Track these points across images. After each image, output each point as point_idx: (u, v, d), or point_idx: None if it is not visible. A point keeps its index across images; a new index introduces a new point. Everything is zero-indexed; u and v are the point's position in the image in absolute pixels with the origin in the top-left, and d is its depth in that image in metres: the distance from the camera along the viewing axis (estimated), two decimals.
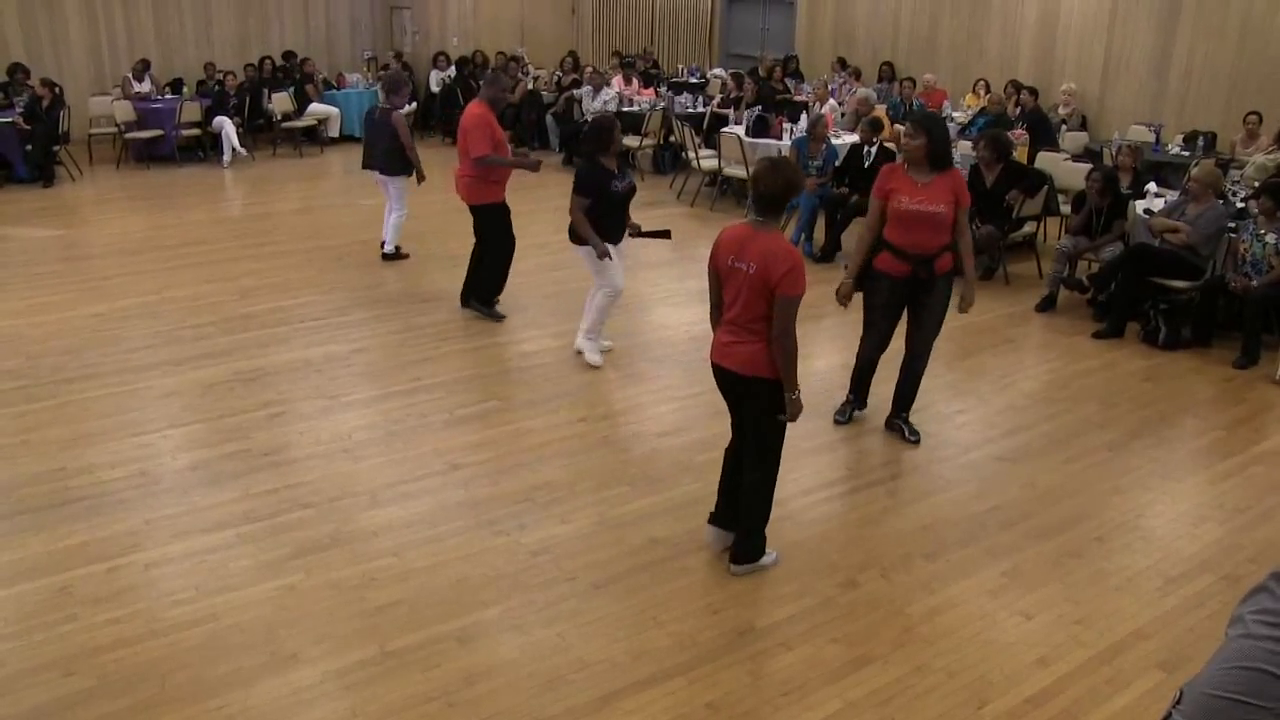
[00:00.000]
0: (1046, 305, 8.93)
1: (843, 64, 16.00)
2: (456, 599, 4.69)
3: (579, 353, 7.55)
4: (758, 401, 4.66)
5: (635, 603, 4.69)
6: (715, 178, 12.87)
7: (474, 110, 7.94)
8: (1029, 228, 9.89)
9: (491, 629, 4.49)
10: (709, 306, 4.88)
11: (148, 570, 4.88)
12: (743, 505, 4.88)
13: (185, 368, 7.31)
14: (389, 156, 9.57)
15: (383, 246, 10.11)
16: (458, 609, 4.62)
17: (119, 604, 4.61)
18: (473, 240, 8.35)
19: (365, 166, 9.89)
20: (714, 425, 6.46)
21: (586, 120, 14.66)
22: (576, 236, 7.12)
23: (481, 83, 8.36)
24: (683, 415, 6.70)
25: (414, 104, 16.86)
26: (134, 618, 4.52)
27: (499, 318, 8.34)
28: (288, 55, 16.55)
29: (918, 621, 4.60)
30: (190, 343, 7.78)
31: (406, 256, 10.12)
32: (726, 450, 5.06)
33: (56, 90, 13.87)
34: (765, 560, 4.96)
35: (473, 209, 8.15)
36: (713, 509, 5.16)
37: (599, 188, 6.93)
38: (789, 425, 4.73)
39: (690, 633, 4.49)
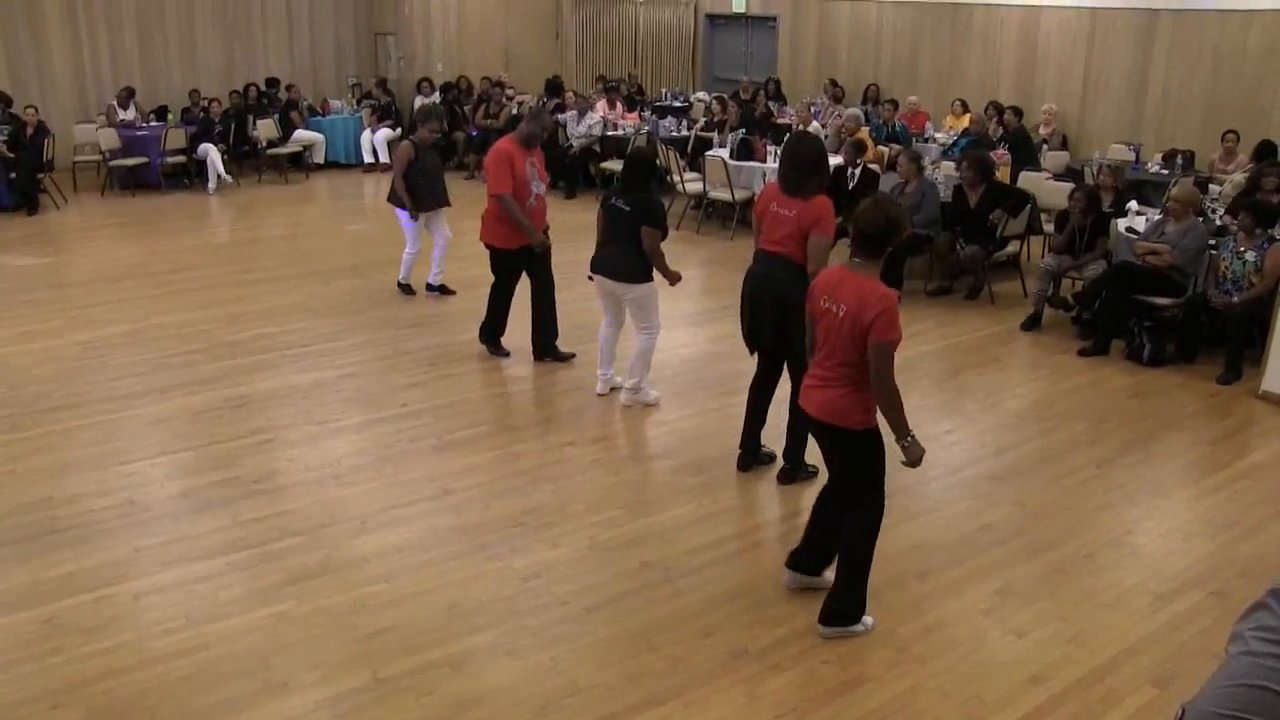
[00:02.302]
0: (1032, 324, 8.98)
1: (833, 84, 16.08)
2: (449, 624, 4.67)
3: (625, 403, 7.19)
4: (839, 450, 4.51)
5: (628, 626, 4.68)
6: (700, 201, 12.91)
7: (497, 146, 7.59)
8: (1013, 247, 9.95)
9: (484, 654, 4.48)
10: (808, 346, 4.70)
11: (136, 600, 4.85)
12: (842, 553, 4.61)
13: (172, 395, 7.29)
14: (392, 187, 9.44)
15: (432, 287, 9.80)
16: (450, 634, 4.60)
17: (107, 634, 4.58)
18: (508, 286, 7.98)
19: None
20: (704, 449, 6.47)
21: (571, 145, 14.74)
22: (636, 275, 6.79)
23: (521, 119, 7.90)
24: (673, 438, 6.70)
25: (398, 131, 16.88)
26: (122, 648, 4.49)
27: (505, 353, 8.07)
28: (271, 82, 16.57)
29: (910, 641, 4.60)
30: (177, 370, 7.76)
31: (413, 293, 9.79)
32: (820, 493, 4.88)
33: (39, 119, 13.84)
34: (858, 627, 4.64)
35: (489, 249, 7.79)
36: (794, 550, 4.94)
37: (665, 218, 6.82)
38: (909, 470, 4.59)
39: (683, 655, 4.48)
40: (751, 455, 6.21)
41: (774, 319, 5.63)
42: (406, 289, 9.80)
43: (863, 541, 4.55)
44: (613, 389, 7.33)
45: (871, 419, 4.39)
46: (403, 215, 9.45)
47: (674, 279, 6.93)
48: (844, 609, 4.62)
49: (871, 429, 4.41)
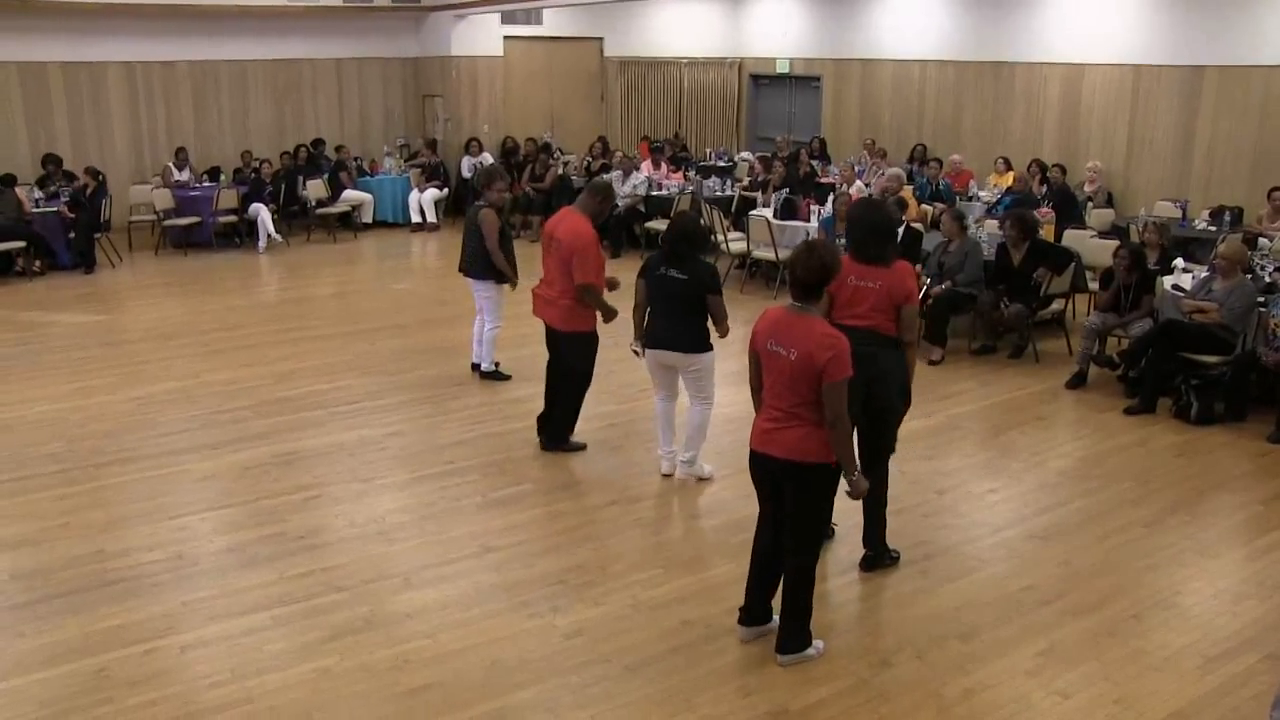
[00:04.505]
0: (1077, 382, 8.91)
1: (872, 144, 16.17)
2: (490, 681, 4.69)
3: (680, 476, 6.91)
4: (804, 488, 4.64)
5: (668, 685, 4.67)
6: (744, 260, 12.97)
7: (582, 227, 6.95)
8: (1057, 305, 9.91)
9: (525, 712, 4.49)
10: (750, 390, 4.88)
11: (184, 653, 4.91)
12: (788, 593, 4.80)
13: (222, 451, 7.40)
14: (474, 258, 8.59)
15: (477, 367, 9.07)
16: (492, 691, 4.62)
17: (155, 687, 4.65)
18: (545, 370, 7.45)
19: (459, 268, 8.88)
20: (747, 507, 6.43)
21: (616, 205, 14.87)
22: (699, 345, 6.49)
23: (584, 190, 7.30)
24: (715, 497, 6.71)
25: (445, 190, 17.14)
26: (169, 700, 4.55)
27: (580, 447, 7.43)
28: (316, 143, 16.88)
29: (953, 703, 4.56)
30: (227, 426, 7.89)
31: (508, 377, 8.95)
32: (756, 544, 4.98)
33: (100, 178, 14.22)
34: (810, 651, 4.86)
35: (559, 336, 7.15)
36: (742, 609, 5.02)
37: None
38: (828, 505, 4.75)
39: (723, 715, 4.47)
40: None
41: (864, 397, 5.19)
42: (497, 374, 8.99)
43: (812, 573, 4.82)
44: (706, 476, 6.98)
45: (831, 454, 4.57)
46: (482, 288, 8.69)
47: (724, 331, 6.59)
48: (801, 637, 4.85)
49: (832, 463, 4.60)
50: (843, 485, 4.72)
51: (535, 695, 4.59)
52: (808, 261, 4.52)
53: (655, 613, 5.28)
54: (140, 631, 5.09)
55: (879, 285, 5.34)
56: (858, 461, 4.56)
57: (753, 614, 5.00)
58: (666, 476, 6.98)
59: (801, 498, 4.67)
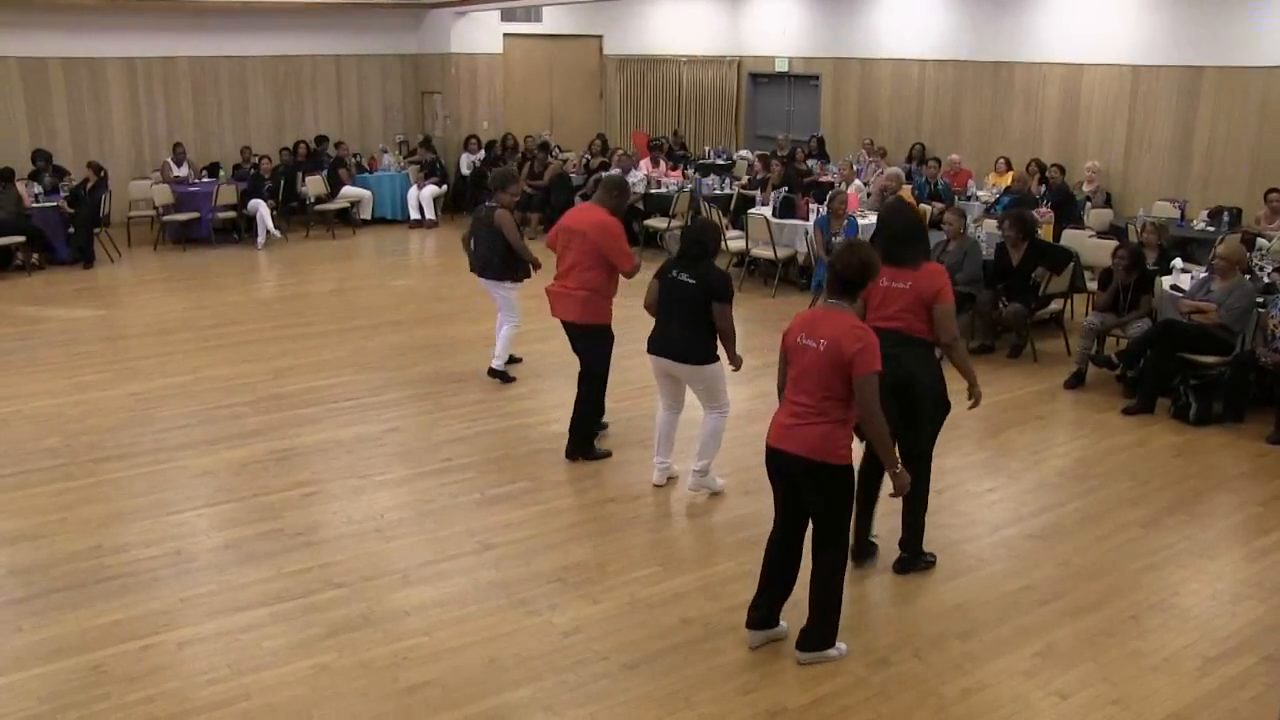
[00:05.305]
0: (1075, 382, 8.92)
1: (871, 143, 16.17)
2: (488, 679, 4.69)
3: (691, 488, 6.67)
4: (820, 489, 4.62)
5: (667, 683, 4.67)
6: (742, 259, 12.97)
7: (608, 220, 6.93)
8: (1056, 305, 9.91)
9: (523, 710, 4.49)
10: (777, 387, 4.88)
11: (181, 649, 4.91)
12: (812, 587, 4.79)
13: (220, 447, 7.40)
14: (488, 259, 8.57)
15: (514, 360, 9.14)
16: (490, 689, 4.62)
17: (152, 683, 4.65)
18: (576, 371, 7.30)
19: (471, 269, 8.85)
20: (745, 505, 6.46)
21: None
22: (704, 356, 6.26)
23: (599, 188, 7.25)
24: (713, 496, 6.69)
25: (444, 187, 17.14)
26: (166, 697, 4.55)
27: (606, 454, 7.28)
28: (319, 139, 16.89)
29: (951, 702, 4.56)
30: (225, 422, 7.88)
31: (513, 380, 8.88)
32: (769, 546, 4.93)
33: (102, 173, 14.18)
34: (832, 652, 4.84)
35: (582, 330, 7.09)
36: (751, 609, 4.97)
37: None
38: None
39: (722, 714, 4.46)
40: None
41: (897, 402, 5.17)
42: (503, 376, 8.90)
43: (838, 577, 4.79)
44: (670, 479, 6.84)
45: (850, 454, 4.60)
46: (498, 288, 8.69)
47: (738, 364, 6.39)
48: (821, 636, 4.83)
49: (850, 464, 4.61)
50: (887, 483, 4.71)
51: (533, 693, 4.59)
52: (848, 259, 4.60)
53: (654, 610, 5.28)
54: (138, 627, 5.08)
55: (909, 286, 5.39)
56: (897, 456, 4.55)
57: (761, 617, 4.96)
58: (658, 487, 6.82)
59: (819, 498, 4.66)
